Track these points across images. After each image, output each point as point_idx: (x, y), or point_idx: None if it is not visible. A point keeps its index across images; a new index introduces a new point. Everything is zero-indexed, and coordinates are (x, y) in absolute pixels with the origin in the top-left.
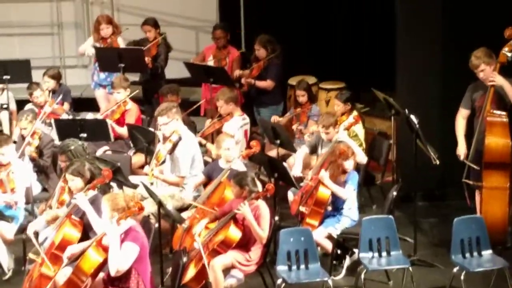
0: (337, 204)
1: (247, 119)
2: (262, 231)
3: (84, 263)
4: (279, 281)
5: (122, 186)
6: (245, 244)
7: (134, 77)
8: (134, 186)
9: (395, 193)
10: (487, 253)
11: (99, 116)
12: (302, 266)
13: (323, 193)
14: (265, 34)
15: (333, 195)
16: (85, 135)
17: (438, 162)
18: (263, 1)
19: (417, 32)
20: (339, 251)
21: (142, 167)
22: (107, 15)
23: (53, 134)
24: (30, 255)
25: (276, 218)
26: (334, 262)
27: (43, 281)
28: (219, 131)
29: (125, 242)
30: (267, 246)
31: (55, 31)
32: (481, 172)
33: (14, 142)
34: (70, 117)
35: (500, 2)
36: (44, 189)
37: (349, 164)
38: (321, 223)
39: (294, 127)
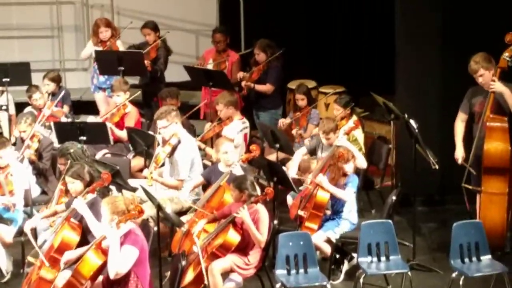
0: (336, 208)
1: (247, 123)
2: (261, 235)
3: (83, 266)
4: (277, 285)
5: (122, 189)
6: (244, 248)
7: (134, 80)
8: (133, 189)
9: (394, 198)
10: (486, 258)
11: (98, 119)
12: (301, 270)
13: (322, 196)
14: (264, 39)
15: (333, 198)
16: (84, 138)
17: (437, 166)
18: (263, 5)
19: (416, 36)
20: (338, 256)
21: (141, 170)
22: (105, 18)
23: (53, 137)
24: (29, 258)
25: (275, 222)
26: (333, 266)
27: (41, 284)
28: (218, 135)
29: (125, 245)
30: (266, 250)
31: (55, 34)
32: (480, 177)
33: (14, 144)
34: (70, 120)
35: (501, 7)
36: (43, 192)
37: (349, 167)
38: (320, 226)
39: (294, 131)
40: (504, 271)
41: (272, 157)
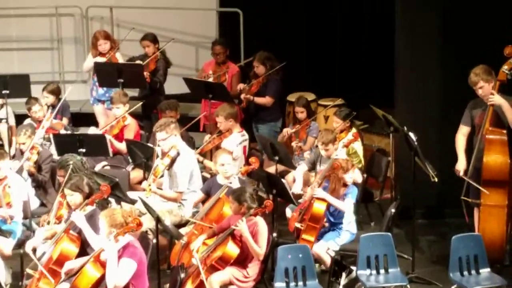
0: (336, 219)
1: (246, 136)
2: (259, 248)
3: (81, 278)
4: None
5: (120, 202)
6: (243, 260)
7: (133, 92)
8: (132, 202)
9: (393, 210)
10: (485, 271)
11: (98, 131)
12: (300, 283)
13: (318, 208)
14: (264, 51)
15: (333, 209)
16: (83, 150)
17: (436, 179)
18: (263, 17)
19: (416, 49)
20: (336, 268)
21: (140, 182)
22: (104, 30)
23: (52, 149)
24: (28, 270)
25: (274, 234)
26: (332, 279)
27: None
28: (218, 147)
29: (123, 258)
30: (265, 263)
31: (55, 46)
32: (479, 189)
33: (13, 156)
34: (69, 132)
35: (500, 20)
36: (42, 204)
37: (349, 177)
38: (317, 238)
39: (294, 144)
40: (503, 284)
41: (271, 169)
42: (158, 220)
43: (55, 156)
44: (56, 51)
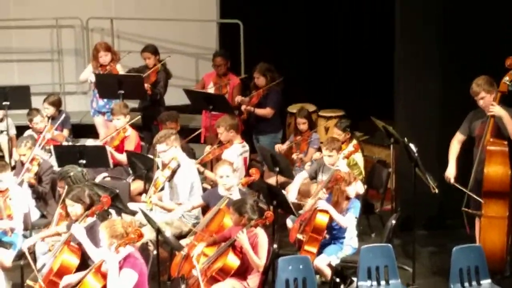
0: (338, 233)
1: (247, 147)
2: (259, 259)
3: None
4: None
5: (121, 213)
6: (243, 271)
7: (134, 103)
8: (133, 213)
9: (394, 222)
10: (486, 282)
11: (98, 142)
12: None
13: (321, 220)
14: (264, 62)
15: (335, 223)
16: (84, 161)
17: (437, 191)
18: (263, 29)
19: (416, 60)
20: (337, 280)
21: (141, 194)
22: (105, 42)
23: (52, 160)
24: (28, 282)
25: (275, 245)
26: None
27: None
28: (218, 158)
29: (124, 268)
30: (266, 274)
31: (55, 58)
32: (480, 200)
33: (13, 168)
34: (70, 143)
35: (501, 31)
36: (43, 216)
37: (351, 190)
38: (319, 250)
39: (294, 155)
40: None
41: (272, 180)
42: (158, 231)
43: (56, 168)
44: (56, 63)
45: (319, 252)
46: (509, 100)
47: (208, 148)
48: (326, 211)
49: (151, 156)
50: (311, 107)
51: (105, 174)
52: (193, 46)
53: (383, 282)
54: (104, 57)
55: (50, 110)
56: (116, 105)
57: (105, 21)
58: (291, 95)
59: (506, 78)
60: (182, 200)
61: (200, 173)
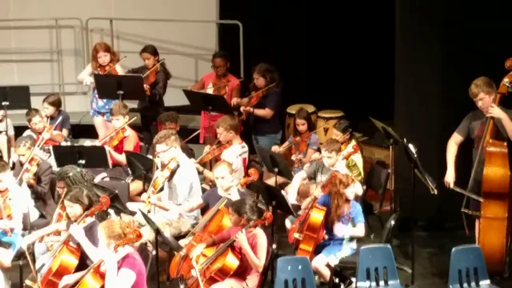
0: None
1: (246, 148)
2: (258, 260)
3: None
4: None
5: (120, 213)
6: (242, 272)
7: (133, 104)
8: (132, 213)
9: (393, 222)
10: (485, 283)
11: (97, 143)
12: None
13: (316, 218)
14: (264, 63)
15: (333, 224)
16: (83, 161)
17: (436, 192)
18: (262, 30)
19: (416, 61)
20: (336, 280)
21: (140, 194)
22: (104, 43)
23: (51, 160)
24: (27, 282)
25: (274, 246)
26: None
27: None
28: (217, 159)
29: (122, 268)
30: (265, 274)
31: (55, 58)
32: (479, 201)
33: (12, 168)
34: (69, 143)
35: (501, 32)
36: (42, 216)
37: (350, 192)
38: (315, 249)
39: (293, 156)
40: None
41: (271, 181)
42: (157, 231)
43: (55, 168)
44: (56, 63)
45: (318, 252)
46: (509, 102)
47: (207, 149)
48: (321, 209)
49: (150, 157)
50: (310, 108)
51: (104, 174)
52: (192, 47)
53: (382, 283)
54: (104, 58)
55: (49, 110)
56: (115, 105)
57: (104, 22)
58: (290, 95)
59: (506, 80)
60: (181, 200)
61: (200, 173)
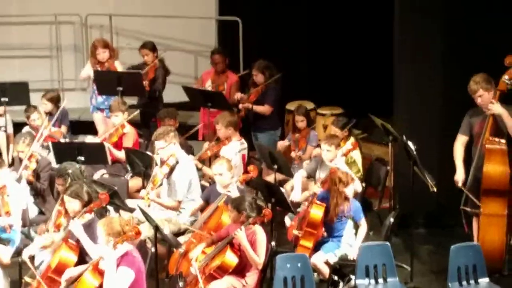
0: (336, 232)
1: (245, 144)
2: (258, 257)
3: (80, 287)
4: None
5: (119, 210)
6: (241, 269)
7: (132, 100)
8: (131, 210)
9: (392, 220)
10: (484, 281)
11: (97, 139)
12: None
13: (315, 214)
14: (263, 60)
15: (333, 221)
16: (82, 158)
17: (435, 189)
18: (262, 27)
19: (416, 57)
20: (335, 277)
21: (139, 190)
22: (103, 39)
23: (51, 157)
24: (26, 279)
25: (273, 243)
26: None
27: None
28: (216, 155)
29: (120, 266)
30: (264, 272)
31: (54, 54)
32: (479, 199)
33: (12, 164)
34: (67, 140)
35: (501, 30)
36: (41, 212)
37: (349, 190)
38: (315, 246)
39: (293, 153)
40: None
41: (270, 178)
42: (156, 228)
43: (54, 164)
44: (55, 59)
45: (317, 250)
46: (508, 99)
47: (206, 145)
48: (321, 205)
49: (150, 153)
50: (309, 105)
51: (104, 171)
52: (192, 43)
53: (381, 280)
54: (102, 54)
55: (48, 106)
56: (114, 102)
57: (104, 18)
58: (289, 92)
59: (506, 77)
60: (180, 197)
61: (198, 169)
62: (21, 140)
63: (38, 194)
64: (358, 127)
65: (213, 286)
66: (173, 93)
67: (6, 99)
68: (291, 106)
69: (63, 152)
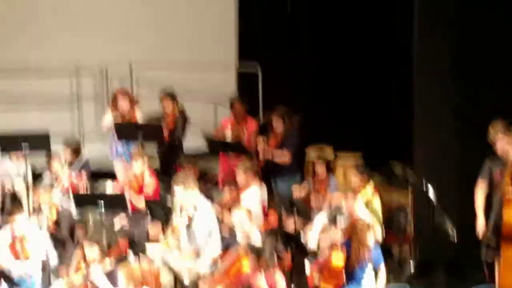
0: (357, 278)
1: (265, 189)
2: None
3: None
4: None
5: (139, 257)
6: None
7: (152, 148)
8: (151, 257)
9: (412, 266)
10: None
11: (117, 186)
12: None
13: (337, 261)
14: (282, 106)
15: (354, 265)
16: (103, 207)
17: (455, 235)
18: (281, 76)
19: (434, 104)
20: None
21: (159, 236)
22: (123, 89)
23: (72, 206)
24: None
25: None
26: None
27: None
28: (236, 201)
29: None
30: None
31: (75, 105)
32: (499, 244)
33: (32, 213)
34: (88, 186)
35: None
36: (61, 261)
37: (370, 239)
38: None
39: (312, 199)
40: None
41: (290, 224)
42: (176, 277)
43: (74, 213)
44: (76, 110)
45: None
46: None
47: (226, 191)
48: (341, 252)
49: (169, 206)
50: (329, 151)
51: (124, 216)
52: (212, 93)
53: None
54: (123, 104)
55: (69, 156)
56: (135, 149)
57: (124, 67)
58: (309, 137)
59: None
60: (201, 244)
61: (220, 221)
62: (43, 190)
63: (58, 243)
64: (378, 173)
65: None
66: (192, 141)
67: (27, 149)
68: (310, 151)
69: (83, 201)
